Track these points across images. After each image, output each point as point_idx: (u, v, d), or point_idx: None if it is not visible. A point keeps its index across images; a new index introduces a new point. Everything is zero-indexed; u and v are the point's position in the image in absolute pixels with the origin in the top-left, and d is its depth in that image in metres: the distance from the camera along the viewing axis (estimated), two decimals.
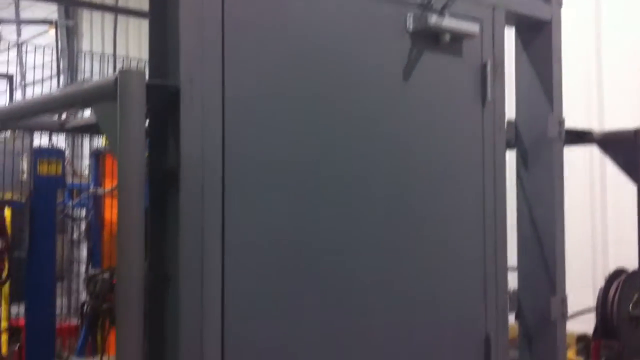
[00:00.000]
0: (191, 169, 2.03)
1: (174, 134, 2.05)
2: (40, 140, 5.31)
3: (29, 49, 10.71)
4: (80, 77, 11.66)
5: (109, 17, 12.15)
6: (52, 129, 3.77)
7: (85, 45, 13.22)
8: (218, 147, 2.05)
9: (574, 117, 2.99)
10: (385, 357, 2.25)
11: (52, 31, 13.52)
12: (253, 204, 2.10)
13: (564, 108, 2.77)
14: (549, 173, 2.71)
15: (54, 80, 10.71)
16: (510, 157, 2.67)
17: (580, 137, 3.11)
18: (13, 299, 5.99)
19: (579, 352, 3.59)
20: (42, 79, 9.72)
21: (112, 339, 4.77)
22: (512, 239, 2.70)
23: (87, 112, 3.27)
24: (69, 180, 6.09)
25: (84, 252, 6.55)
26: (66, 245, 6.57)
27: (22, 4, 14.51)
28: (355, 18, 2.26)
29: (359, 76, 2.26)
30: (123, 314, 2.01)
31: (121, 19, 10.51)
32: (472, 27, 2.39)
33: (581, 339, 3.64)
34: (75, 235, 6.76)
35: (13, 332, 6.09)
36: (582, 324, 3.75)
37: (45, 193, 4.77)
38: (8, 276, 5.58)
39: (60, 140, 6.12)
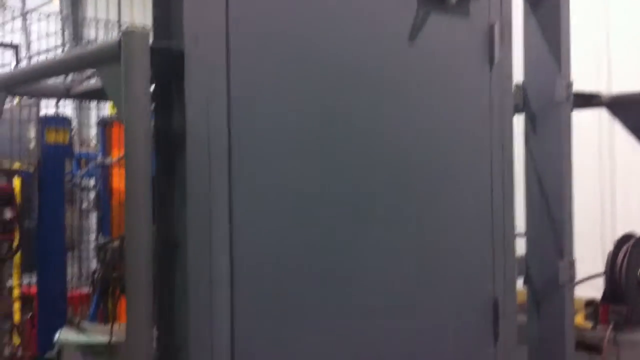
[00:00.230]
0: (197, 133, 2.02)
1: (179, 98, 2.04)
2: (47, 109, 5.30)
3: (34, 17, 10.66)
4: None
5: None
6: (58, 95, 3.76)
7: (89, 12, 13.15)
8: (224, 110, 2.04)
9: (582, 80, 2.96)
10: (394, 322, 2.26)
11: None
12: (260, 167, 2.10)
13: (572, 71, 2.75)
14: (557, 136, 2.70)
15: (60, 50, 10.67)
16: (518, 121, 2.65)
17: (588, 100, 3.08)
18: (24, 269, 6.04)
19: (587, 317, 3.58)
20: (47, 49, 9.69)
21: (123, 306, 4.80)
22: (520, 204, 2.69)
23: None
24: (76, 149, 6.10)
25: (93, 221, 6.58)
26: (75, 215, 6.60)
27: None
28: None
29: (365, 37, 2.24)
30: (132, 281, 2.02)
31: None
32: None
33: (589, 303, 3.63)
34: (84, 205, 6.78)
35: (25, 300, 6.14)
36: (590, 290, 3.75)
37: (53, 161, 4.77)
38: (19, 246, 5.61)
39: (67, 109, 6.11)
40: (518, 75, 2.67)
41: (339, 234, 2.21)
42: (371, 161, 2.25)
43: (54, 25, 9.98)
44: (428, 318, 2.30)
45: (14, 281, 6.07)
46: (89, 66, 2.36)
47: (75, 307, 5.48)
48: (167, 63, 2.05)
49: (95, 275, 5.55)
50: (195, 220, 2.04)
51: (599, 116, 3.83)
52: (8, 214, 5.14)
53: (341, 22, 2.20)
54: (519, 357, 2.57)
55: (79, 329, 3.84)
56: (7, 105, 5.05)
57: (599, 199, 5.31)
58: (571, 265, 2.74)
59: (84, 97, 3.86)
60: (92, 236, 6.56)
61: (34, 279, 5.62)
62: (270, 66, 2.10)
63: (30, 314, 5.85)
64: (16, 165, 5.40)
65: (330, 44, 2.20)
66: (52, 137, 4.76)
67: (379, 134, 2.26)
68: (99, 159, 5.57)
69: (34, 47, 9.85)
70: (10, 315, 6.38)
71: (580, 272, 2.94)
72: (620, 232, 3.71)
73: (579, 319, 3.46)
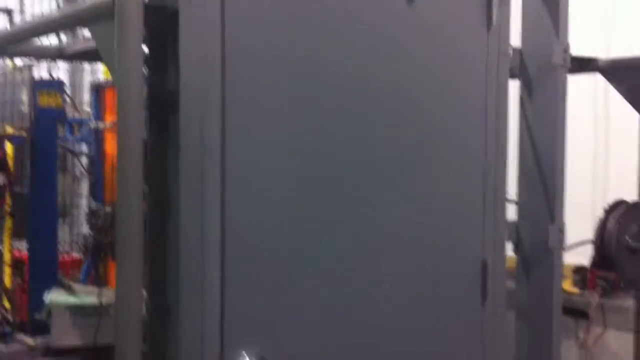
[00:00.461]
0: (191, 92, 2.01)
1: (173, 57, 2.03)
2: (40, 72, 5.26)
3: None
4: None
5: None
6: (51, 56, 3.72)
7: None
8: (218, 69, 2.02)
9: (580, 45, 2.94)
10: (384, 281, 2.28)
11: None
12: (255, 127, 2.09)
13: (569, 35, 2.74)
14: (553, 101, 2.70)
15: None
16: (514, 87, 2.64)
17: (585, 64, 3.07)
18: (15, 234, 6.03)
19: (575, 283, 3.62)
20: (42, 14, 9.56)
21: (114, 271, 4.81)
22: (513, 169, 2.70)
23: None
24: (69, 114, 6.05)
25: (86, 187, 6.56)
26: (68, 181, 6.58)
27: None
28: None
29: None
30: (122, 242, 2.02)
31: None
32: None
33: (578, 270, 3.67)
34: (77, 172, 6.76)
35: (16, 265, 6.15)
36: (579, 257, 3.78)
37: (46, 125, 4.74)
38: (11, 211, 5.60)
39: (60, 74, 6.06)
40: (515, 39, 2.67)
41: (333, 194, 2.21)
42: (365, 120, 2.25)
43: None
44: (417, 277, 2.32)
45: (5, 246, 6.07)
46: (82, 24, 2.34)
47: (66, 272, 5.48)
48: (161, 21, 2.03)
49: (87, 241, 5.56)
50: (188, 181, 2.04)
51: (595, 82, 3.82)
52: (0, 179, 5.13)
53: None
54: (507, 322, 2.59)
55: (69, 290, 3.85)
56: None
57: (591, 166, 5.33)
58: (561, 230, 2.76)
59: (77, 58, 3.83)
60: (85, 202, 6.55)
61: (24, 245, 5.62)
62: (265, 24, 2.09)
63: (21, 279, 5.85)
64: (8, 130, 5.37)
65: (331, 12, 2.18)
66: (44, 101, 4.72)
67: (373, 93, 2.25)
68: (92, 123, 5.54)
69: (28, 12, 9.71)
70: (0, 280, 6.40)
71: (570, 239, 2.96)
72: (611, 199, 3.74)
73: (567, 285, 3.50)
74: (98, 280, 4.42)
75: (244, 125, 2.07)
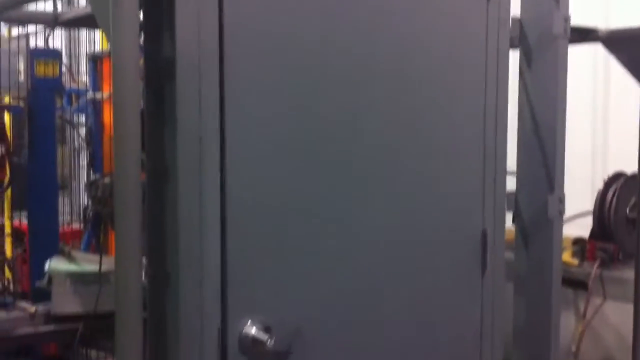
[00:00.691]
0: (187, 58, 1.99)
1: (169, 23, 2.01)
2: (37, 42, 5.23)
3: None
4: None
5: None
6: (47, 23, 3.70)
7: None
8: (215, 35, 2.00)
9: (580, 15, 2.92)
10: (385, 250, 2.27)
11: None
12: (254, 95, 2.08)
13: (570, 5, 2.72)
14: (553, 71, 2.68)
15: None
16: (514, 57, 2.62)
17: (585, 35, 3.05)
18: (15, 206, 6.03)
19: (574, 254, 3.63)
20: None
21: (113, 241, 4.83)
22: (512, 140, 2.69)
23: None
24: (67, 85, 6.03)
25: (84, 159, 6.56)
26: (67, 152, 6.58)
27: None
28: None
29: None
30: (121, 212, 2.02)
31: None
32: None
33: (577, 241, 3.67)
34: (75, 143, 6.75)
35: (17, 236, 6.17)
36: (578, 229, 3.78)
37: (43, 94, 4.73)
38: (10, 182, 5.60)
39: (57, 45, 6.02)
40: (515, 9, 2.64)
41: (333, 159, 2.20)
42: (365, 88, 2.23)
43: None
44: (417, 247, 2.32)
45: (5, 218, 6.08)
46: None
47: (67, 243, 5.50)
48: None
49: (87, 212, 5.58)
50: (185, 149, 2.03)
51: (595, 53, 3.80)
52: None
53: None
54: (505, 293, 2.59)
55: (70, 258, 3.86)
56: None
57: (590, 137, 5.32)
58: (561, 200, 2.75)
59: (73, 24, 3.80)
60: (84, 173, 6.55)
61: (25, 216, 5.62)
62: None
63: (21, 249, 5.87)
64: (6, 99, 5.35)
65: None
66: (41, 70, 4.70)
67: (371, 62, 2.24)
68: (90, 94, 5.53)
69: None
70: (1, 250, 6.42)
71: (570, 210, 2.96)
72: (611, 171, 3.74)
73: (567, 257, 3.50)
74: (99, 249, 4.43)
75: (243, 94, 2.06)
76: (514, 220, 2.89)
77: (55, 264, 3.79)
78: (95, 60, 5.50)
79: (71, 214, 6.57)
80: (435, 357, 2.35)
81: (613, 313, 3.38)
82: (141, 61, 2.05)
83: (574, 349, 3.38)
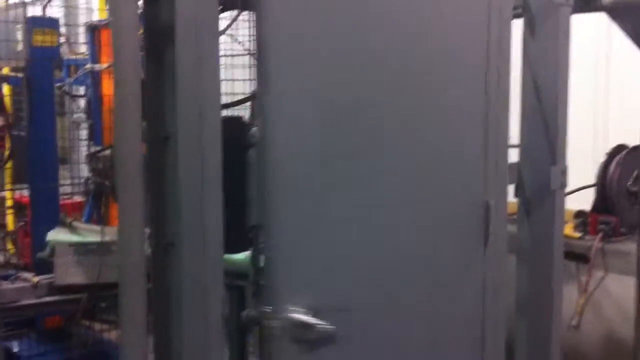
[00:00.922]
0: (187, 24, 1.98)
1: None
2: (34, 11, 5.19)
3: None
4: None
5: None
6: None
7: None
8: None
9: None
10: (396, 222, 2.26)
11: None
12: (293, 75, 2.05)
13: None
14: (556, 40, 2.65)
15: None
16: (516, 26, 2.60)
17: (589, 3, 3.01)
18: (16, 180, 6.03)
19: (576, 228, 3.62)
20: None
21: (114, 212, 4.84)
22: (515, 112, 2.67)
23: None
24: (65, 56, 6.00)
25: (84, 132, 6.54)
26: (66, 124, 6.56)
27: None
28: None
29: None
30: (123, 181, 2.01)
31: None
32: None
33: (579, 214, 3.67)
34: (75, 116, 6.73)
35: (18, 208, 6.18)
36: (580, 203, 3.78)
37: (42, 64, 4.70)
38: (10, 155, 5.59)
39: (54, 14, 5.98)
40: None
41: (361, 141, 2.17)
42: (379, 70, 2.19)
43: None
44: (420, 219, 2.31)
45: (6, 191, 6.08)
46: None
47: (68, 215, 5.51)
48: None
49: (88, 184, 5.58)
50: (186, 115, 2.02)
51: (597, 23, 3.76)
52: None
53: None
54: (508, 266, 2.59)
55: (72, 229, 3.86)
56: None
57: (592, 110, 5.30)
58: (563, 172, 2.75)
59: None
60: (84, 146, 6.54)
61: (25, 189, 5.62)
62: None
63: (23, 222, 5.88)
64: (5, 70, 5.32)
65: None
66: (39, 39, 4.67)
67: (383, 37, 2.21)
68: (89, 65, 5.49)
69: None
70: (3, 224, 6.43)
71: (572, 184, 2.95)
72: (613, 145, 3.72)
73: (568, 230, 3.50)
74: (100, 221, 4.44)
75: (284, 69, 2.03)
76: (516, 194, 2.88)
77: (57, 235, 3.80)
78: (93, 30, 5.45)
79: (71, 186, 6.57)
80: (437, 329, 2.35)
81: (615, 286, 3.39)
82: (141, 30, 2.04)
83: (575, 322, 3.39)
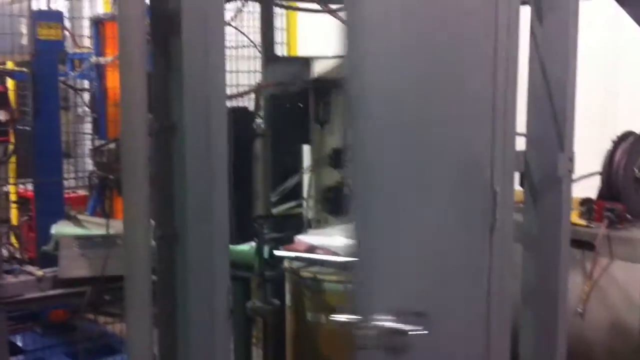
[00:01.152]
0: (193, 14, 1.97)
1: None
2: (39, 4, 5.18)
3: None
4: None
5: None
6: None
7: None
8: None
9: None
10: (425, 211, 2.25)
11: None
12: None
13: None
14: (564, 26, 2.63)
15: None
16: (524, 12, 2.57)
17: None
18: (20, 174, 6.04)
19: (582, 215, 3.61)
20: None
21: (118, 206, 4.84)
22: (522, 99, 2.65)
23: None
24: (70, 50, 5.99)
25: (88, 126, 6.55)
26: (71, 118, 6.56)
27: None
28: None
29: None
30: (129, 173, 2.00)
31: None
32: None
33: (585, 202, 3.65)
34: (79, 110, 6.73)
35: (22, 203, 6.18)
36: (586, 191, 3.76)
37: (47, 57, 4.69)
38: (14, 149, 5.59)
39: (59, 5, 5.97)
40: None
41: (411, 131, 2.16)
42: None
43: None
44: (438, 206, 2.28)
45: (10, 185, 6.08)
46: None
47: (72, 209, 5.51)
48: None
49: (92, 178, 5.58)
50: (193, 99, 2.01)
51: (605, 9, 3.73)
52: (2, 116, 5.10)
53: None
54: (514, 254, 2.58)
55: (76, 222, 3.86)
56: None
57: (599, 98, 5.26)
58: (570, 159, 2.73)
59: None
60: (88, 140, 6.54)
61: (29, 183, 5.62)
62: None
63: (27, 216, 5.88)
64: (9, 64, 5.31)
65: None
66: (44, 33, 4.67)
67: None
68: (93, 58, 5.48)
69: None
70: (7, 218, 6.43)
71: (578, 172, 2.94)
72: (619, 131, 3.70)
73: (574, 217, 3.48)
74: (104, 214, 4.43)
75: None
76: (521, 182, 2.86)
77: (62, 228, 3.79)
78: (97, 23, 5.44)
79: (75, 180, 6.57)
80: (444, 313, 2.33)
81: (620, 273, 3.37)
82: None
83: (580, 309, 3.38)
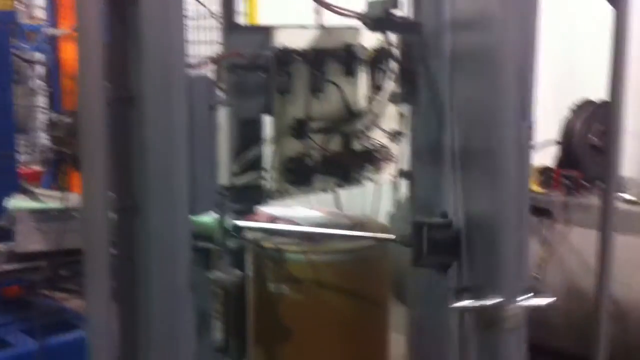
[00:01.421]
0: None
1: None
2: None
3: None
4: None
5: None
6: None
7: None
8: None
9: None
10: None
11: None
12: None
13: None
14: None
15: None
16: None
17: None
18: None
19: (540, 183, 3.66)
20: None
21: (74, 181, 4.76)
22: None
23: None
24: (23, 21, 5.84)
25: (42, 100, 6.41)
26: (25, 93, 6.41)
27: None
28: None
29: None
30: (87, 144, 1.96)
31: None
32: None
33: (543, 170, 3.70)
34: (33, 83, 6.58)
35: None
36: (544, 159, 3.81)
37: None
38: None
39: None
40: None
41: None
42: None
43: None
44: None
45: None
46: None
47: (28, 183, 5.40)
48: None
49: (47, 153, 5.47)
50: (152, 74, 1.97)
51: None
52: None
53: None
54: None
55: (32, 196, 3.78)
56: None
57: (559, 65, 5.31)
58: (530, 127, 2.74)
59: None
60: (42, 115, 6.41)
61: None
62: None
63: None
64: None
65: None
66: None
67: None
68: (48, 30, 5.35)
69: None
70: None
71: (538, 140, 2.96)
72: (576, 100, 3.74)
73: (532, 185, 3.53)
74: (61, 188, 4.35)
75: None
76: None
77: (17, 202, 3.71)
78: None
79: (30, 155, 6.44)
80: None
81: (577, 239, 3.43)
82: None
83: (537, 275, 3.43)
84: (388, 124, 3.18)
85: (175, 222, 2.04)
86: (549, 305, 1.94)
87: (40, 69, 6.11)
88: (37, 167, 6.09)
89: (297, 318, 3.12)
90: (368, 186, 3.24)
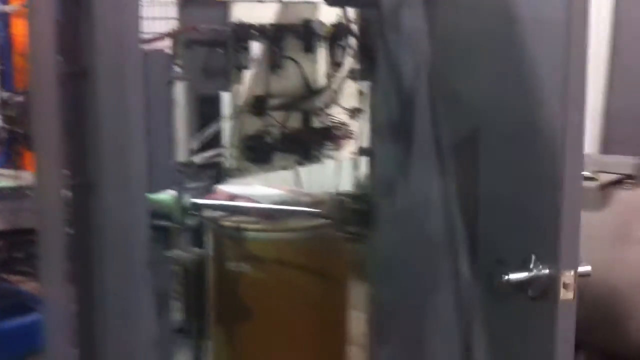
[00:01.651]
0: None
1: None
2: None
3: None
4: None
5: None
6: None
7: None
8: None
9: None
10: None
11: None
12: None
13: None
14: None
15: None
16: None
17: None
18: None
19: None
20: None
21: (27, 161, 4.67)
22: None
23: None
24: None
25: None
26: None
27: None
28: None
29: None
30: (39, 122, 1.91)
31: None
32: None
33: None
34: None
35: None
36: None
37: None
38: None
39: None
40: None
41: None
42: None
43: None
44: None
45: None
46: None
47: None
48: None
49: (0, 132, 5.35)
50: (105, 48, 1.93)
51: None
52: None
53: None
54: None
55: None
56: None
57: None
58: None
59: None
60: None
61: None
62: None
63: None
64: None
65: None
66: None
67: None
68: None
69: None
70: None
71: None
72: None
73: None
74: (14, 166, 4.27)
75: None
76: None
77: None
78: None
79: None
80: None
81: None
82: None
83: None
84: (347, 101, 3.17)
85: (132, 199, 2.00)
86: None
87: None
88: None
89: (257, 297, 3.10)
90: (328, 164, 3.23)
